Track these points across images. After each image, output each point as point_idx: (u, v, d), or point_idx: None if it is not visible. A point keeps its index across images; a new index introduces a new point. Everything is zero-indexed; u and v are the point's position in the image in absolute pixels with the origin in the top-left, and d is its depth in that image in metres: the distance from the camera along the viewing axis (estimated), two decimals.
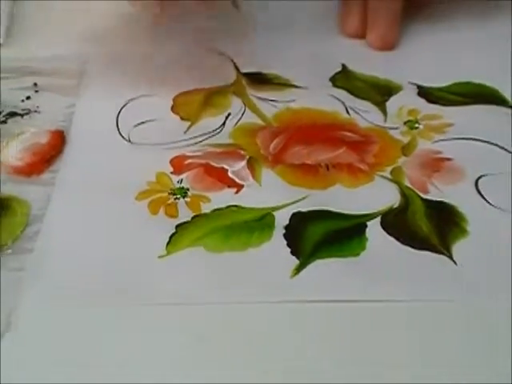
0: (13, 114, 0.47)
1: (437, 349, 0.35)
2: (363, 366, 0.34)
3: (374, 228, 0.40)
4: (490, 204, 0.42)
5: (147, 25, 0.53)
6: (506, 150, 0.45)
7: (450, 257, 0.38)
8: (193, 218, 0.41)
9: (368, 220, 0.40)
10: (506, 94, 0.49)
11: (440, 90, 0.50)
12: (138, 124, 0.47)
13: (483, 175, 0.43)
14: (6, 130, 0.46)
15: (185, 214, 0.41)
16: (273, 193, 0.42)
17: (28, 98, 0.49)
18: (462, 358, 0.34)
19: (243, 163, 0.44)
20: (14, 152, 0.44)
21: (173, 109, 0.49)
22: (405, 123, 0.47)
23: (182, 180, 0.43)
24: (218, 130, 0.47)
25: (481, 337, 0.35)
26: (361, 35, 0.55)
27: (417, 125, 0.47)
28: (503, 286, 0.37)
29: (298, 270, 0.38)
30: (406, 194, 0.42)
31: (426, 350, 0.35)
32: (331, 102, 0.49)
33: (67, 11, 0.58)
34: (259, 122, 0.48)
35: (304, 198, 0.42)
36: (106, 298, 0.37)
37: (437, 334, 0.35)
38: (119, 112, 0.48)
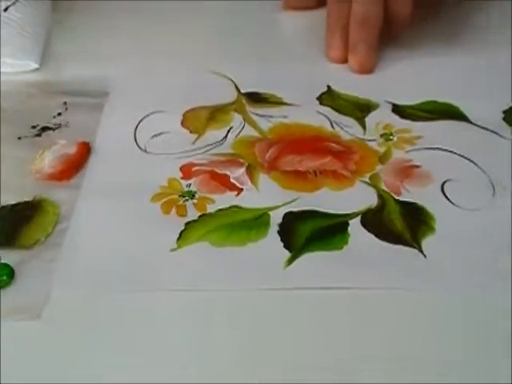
0: (46, 129, 0.48)
1: (407, 329, 0.35)
2: (345, 342, 0.34)
3: (355, 225, 0.40)
4: (454, 205, 0.42)
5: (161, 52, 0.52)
6: (466, 158, 0.45)
7: (421, 250, 0.39)
8: (199, 216, 0.41)
9: (350, 219, 0.41)
10: (465, 111, 0.49)
11: (411, 107, 0.50)
12: (153, 136, 0.47)
13: (448, 180, 0.43)
14: (41, 142, 0.46)
15: (193, 214, 0.41)
16: (268, 195, 0.42)
17: (59, 114, 0.49)
18: (427, 337, 0.35)
19: (243, 170, 0.44)
20: (47, 161, 0.44)
21: (182, 123, 0.49)
22: (381, 136, 0.47)
23: (190, 184, 0.43)
24: (221, 142, 0.47)
25: (445, 320, 0.35)
26: (343, 60, 0.55)
27: (391, 137, 0.47)
28: (467, 277, 0.38)
29: (290, 261, 0.38)
30: (382, 196, 0.42)
31: (397, 329, 0.35)
32: (318, 118, 0.49)
33: (94, 38, 0.58)
34: (256, 134, 0.48)
35: (295, 200, 0.42)
36: (126, 285, 0.37)
37: (407, 317, 0.36)
38: (137, 126, 0.48)
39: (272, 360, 0.33)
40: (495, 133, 0.47)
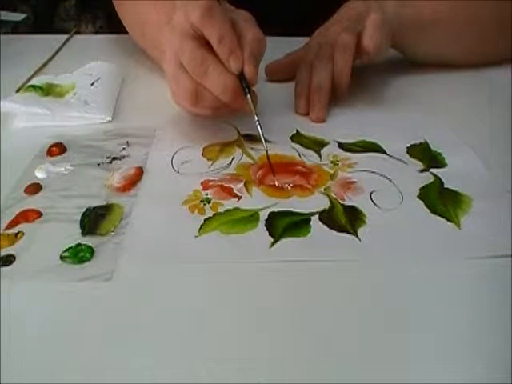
0: (115, 158, 0.47)
1: (347, 288, 0.35)
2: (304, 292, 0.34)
3: (315, 220, 0.40)
4: (378, 207, 0.42)
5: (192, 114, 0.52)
6: (384, 177, 0.45)
7: (357, 236, 0.39)
8: (213, 215, 0.41)
9: (311, 216, 0.40)
10: (384, 147, 0.49)
11: (350, 144, 0.50)
12: (183, 162, 0.47)
13: (373, 191, 0.43)
14: (112, 167, 0.46)
15: (209, 213, 0.41)
16: (258, 201, 0.42)
17: (123, 149, 0.49)
18: (360, 293, 0.34)
19: (242, 184, 0.44)
20: (116, 179, 0.44)
21: (202, 154, 0.49)
22: (331, 162, 0.47)
23: (207, 193, 0.43)
24: (228, 166, 0.47)
25: (376, 281, 0.35)
26: (306, 114, 0.55)
27: (337, 163, 0.47)
28: (388, 251, 0.37)
29: (273, 244, 0.38)
30: (332, 202, 0.42)
31: (341, 288, 0.35)
32: (290, 150, 0.49)
33: (146, 100, 0.59)
34: (250, 161, 0.48)
35: (276, 204, 0.42)
36: (167, 258, 0.37)
37: (345, 280, 0.35)
38: (173, 156, 0.48)
39: (265, 303, 0.33)
40: (402, 161, 0.48)
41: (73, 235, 0.38)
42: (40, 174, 0.45)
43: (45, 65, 0.66)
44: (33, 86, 0.57)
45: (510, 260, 0.36)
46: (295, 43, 0.62)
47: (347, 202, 0.42)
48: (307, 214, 0.40)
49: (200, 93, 0.45)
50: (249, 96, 0.46)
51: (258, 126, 0.47)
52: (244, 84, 0.46)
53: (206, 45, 0.45)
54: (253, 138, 0.51)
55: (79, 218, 0.40)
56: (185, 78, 0.45)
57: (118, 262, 0.36)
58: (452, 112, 0.55)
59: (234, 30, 0.46)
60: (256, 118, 0.47)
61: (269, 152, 0.48)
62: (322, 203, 0.42)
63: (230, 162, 0.47)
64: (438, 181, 0.45)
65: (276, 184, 0.44)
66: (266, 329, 0.32)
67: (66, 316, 0.32)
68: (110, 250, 0.37)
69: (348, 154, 0.48)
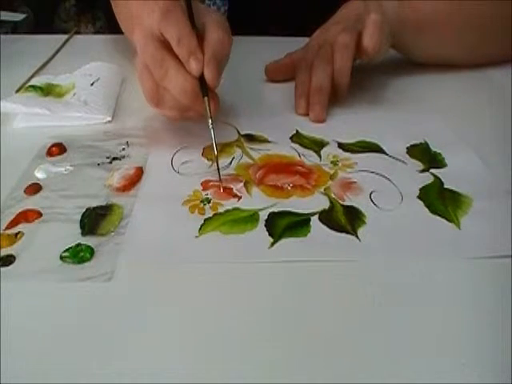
0: (115, 158, 0.47)
1: (347, 287, 0.35)
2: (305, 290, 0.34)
3: (314, 221, 0.40)
4: (378, 207, 0.42)
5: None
6: (384, 177, 0.45)
7: (357, 236, 0.39)
8: (213, 215, 0.41)
9: (311, 216, 0.40)
10: (384, 147, 0.49)
11: (350, 144, 0.50)
12: (183, 162, 0.47)
13: (373, 191, 0.43)
14: (112, 167, 0.46)
15: (209, 213, 0.41)
16: (258, 201, 0.42)
17: (123, 149, 0.49)
18: (360, 291, 0.34)
19: (241, 184, 0.44)
20: (116, 179, 0.44)
21: (203, 154, 0.49)
22: (331, 162, 0.47)
23: (207, 194, 0.43)
24: (228, 166, 0.47)
25: (376, 282, 0.35)
26: (306, 114, 0.55)
27: (337, 163, 0.47)
28: (387, 252, 0.37)
29: (273, 244, 0.38)
30: (332, 202, 0.42)
31: (341, 286, 0.35)
32: (290, 151, 0.49)
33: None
34: (250, 161, 0.48)
35: (275, 204, 0.42)
36: (166, 259, 0.37)
37: (348, 278, 0.35)
38: (173, 156, 0.48)
39: (262, 302, 0.33)
40: (402, 161, 0.48)
41: (73, 235, 0.38)
42: (40, 174, 0.45)
43: (45, 65, 0.66)
44: (33, 86, 0.57)
45: (510, 260, 0.36)
46: (295, 43, 0.62)
47: (347, 202, 0.42)
48: (307, 214, 0.40)
49: (161, 94, 0.45)
50: (206, 99, 0.45)
51: (212, 131, 0.45)
52: (204, 87, 0.45)
53: (169, 46, 0.45)
54: (253, 138, 0.51)
55: (79, 218, 0.40)
56: (148, 78, 0.45)
57: (118, 262, 0.36)
58: (452, 112, 0.55)
59: (203, 32, 0.45)
60: (210, 122, 0.45)
61: (269, 152, 0.48)
62: (322, 203, 0.42)
63: (230, 162, 0.47)
64: (438, 181, 0.45)
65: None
66: (266, 329, 0.32)
67: (66, 316, 0.32)
68: (110, 250, 0.37)
69: (348, 154, 0.48)
